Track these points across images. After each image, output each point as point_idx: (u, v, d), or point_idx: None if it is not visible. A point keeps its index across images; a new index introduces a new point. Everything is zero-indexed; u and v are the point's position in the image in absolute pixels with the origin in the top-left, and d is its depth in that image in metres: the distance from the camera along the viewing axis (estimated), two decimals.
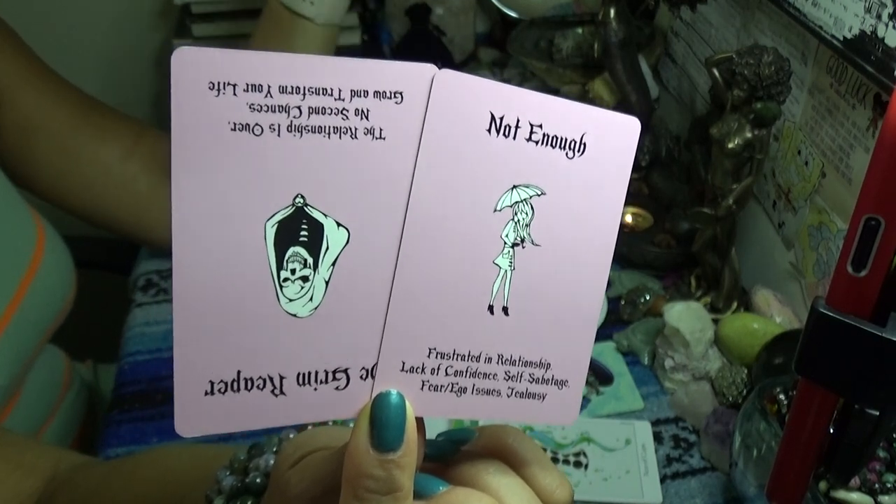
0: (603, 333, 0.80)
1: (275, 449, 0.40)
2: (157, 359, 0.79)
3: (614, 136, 0.31)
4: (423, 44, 1.13)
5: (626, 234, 0.89)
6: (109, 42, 1.32)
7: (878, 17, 0.57)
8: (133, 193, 0.82)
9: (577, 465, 0.67)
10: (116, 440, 0.71)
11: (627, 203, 0.92)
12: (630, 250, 0.87)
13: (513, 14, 1.16)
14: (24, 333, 0.71)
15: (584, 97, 0.98)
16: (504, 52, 1.18)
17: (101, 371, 0.97)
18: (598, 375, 0.76)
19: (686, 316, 0.73)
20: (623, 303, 0.82)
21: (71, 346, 0.88)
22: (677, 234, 0.87)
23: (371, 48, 1.17)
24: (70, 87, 0.80)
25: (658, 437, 0.70)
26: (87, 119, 0.79)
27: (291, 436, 0.40)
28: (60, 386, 0.83)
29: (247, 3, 1.16)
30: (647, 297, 0.81)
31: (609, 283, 0.86)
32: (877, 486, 0.51)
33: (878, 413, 0.35)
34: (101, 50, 1.32)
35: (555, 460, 0.68)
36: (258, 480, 0.39)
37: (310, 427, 0.45)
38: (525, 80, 1.17)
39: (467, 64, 1.21)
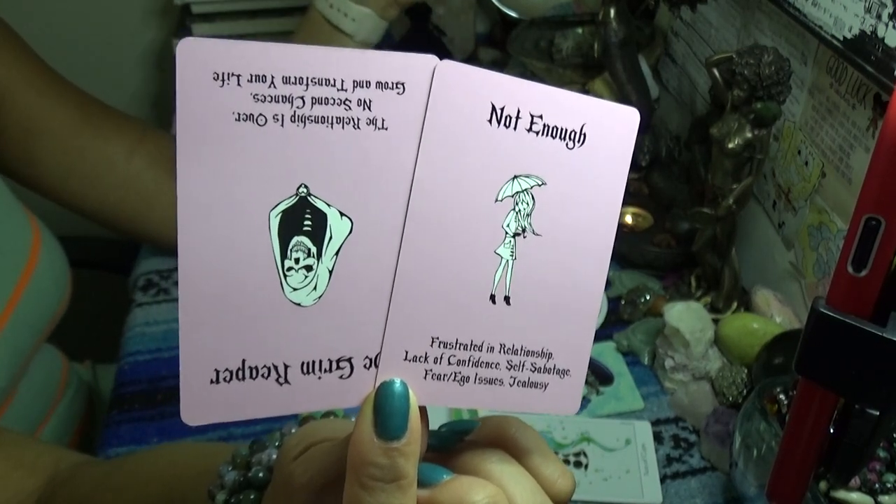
0: (603, 333, 0.80)
1: (277, 443, 0.41)
2: (157, 359, 0.79)
3: (614, 126, 0.31)
4: (424, 44, 1.13)
5: (626, 234, 0.89)
6: (110, 42, 1.32)
7: (878, 17, 0.57)
8: (138, 190, 0.82)
9: (578, 465, 0.67)
10: (116, 440, 0.71)
11: (627, 203, 0.93)
12: (630, 250, 0.87)
13: (513, 14, 1.16)
14: (21, 335, 0.71)
15: None
16: (504, 52, 1.18)
17: (100, 371, 0.97)
18: (598, 375, 0.76)
19: (686, 316, 0.73)
20: (623, 303, 0.82)
21: (70, 346, 0.88)
22: (677, 234, 0.87)
23: (371, 47, 1.18)
24: (71, 86, 0.80)
25: (658, 437, 0.70)
26: (89, 118, 0.79)
27: (293, 430, 0.40)
28: (58, 386, 0.83)
29: (247, 3, 1.16)
30: (647, 297, 0.81)
31: (609, 283, 0.86)
32: (877, 486, 0.51)
33: (878, 413, 0.35)
34: (102, 50, 1.32)
35: None
36: (261, 475, 0.39)
37: (312, 420, 0.45)
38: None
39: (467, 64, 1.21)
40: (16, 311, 0.70)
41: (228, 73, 0.26)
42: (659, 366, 0.76)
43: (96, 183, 0.80)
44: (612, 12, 0.87)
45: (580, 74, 1.00)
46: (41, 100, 0.76)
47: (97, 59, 1.32)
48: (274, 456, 0.39)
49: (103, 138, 0.80)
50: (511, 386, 0.32)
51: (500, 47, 1.21)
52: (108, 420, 0.74)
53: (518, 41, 1.08)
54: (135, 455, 0.54)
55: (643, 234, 0.89)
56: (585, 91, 0.97)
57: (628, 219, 0.92)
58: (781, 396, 0.58)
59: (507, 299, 0.31)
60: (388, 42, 1.17)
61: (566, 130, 0.30)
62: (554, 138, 0.30)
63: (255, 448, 0.41)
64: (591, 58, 0.96)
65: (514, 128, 0.29)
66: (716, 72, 0.72)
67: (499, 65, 1.21)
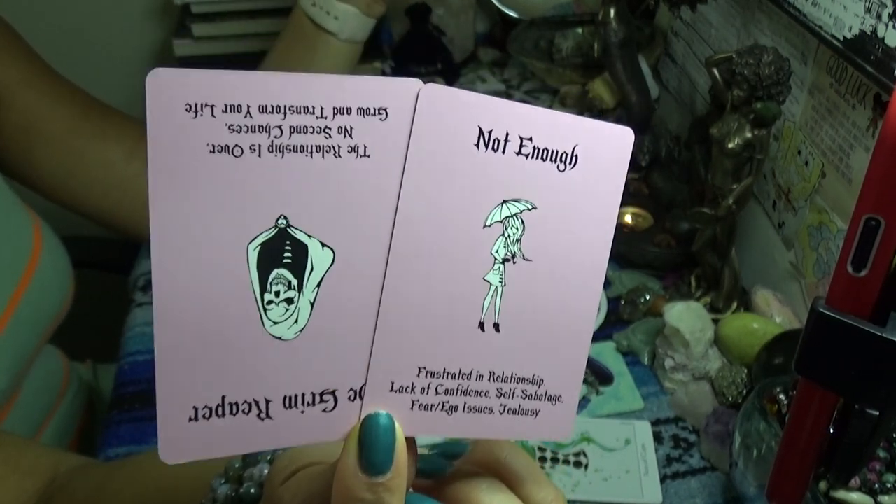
0: (603, 333, 0.80)
1: (269, 458, 0.40)
2: None
3: (607, 147, 0.30)
4: (423, 44, 1.13)
5: (626, 234, 0.89)
6: (109, 42, 1.32)
7: (878, 17, 0.57)
8: (137, 191, 0.82)
9: (577, 465, 0.67)
10: (116, 440, 0.71)
11: (627, 203, 0.93)
12: (630, 250, 0.87)
13: (513, 14, 1.16)
14: (23, 335, 0.71)
15: (584, 97, 0.98)
16: (504, 52, 1.18)
17: (101, 371, 0.97)
18: (598, 375, 0.76)
19: (686, 316, 0.73)
20: (623, 303, 0.82)
21: (70, 346, 0.88)
22: (677, 234, 0.87)
23: (371, 48, 1.17)
24: (71, 87, 0.80)
25: (658, 437, 0.70)
26: (88, 119, 0.79)
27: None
28: (59, 386, 0.83)
29: (247, 3, 1.16)
30: (647, 297, 0.81)
31: (609, 283, 0.86)
32: (877, 486, 0.51)
33: (878, 413, 0.35)
34: (101, 50, 1.32)
35: (555, 460, 0.68)
36: (252, 490, 0.38)
37: None
38: (525, 79, 1.17)
39: (467, 64, 1.21)
40: (18, 311, 0.70)
41: (202, 104, 0.25)
42: (659, 366, 0.76)
43: (95, 184, 0.80)
44: (612, 12, 0.87)
45: (580, 74, 1.01)
46: (41, 100, 0.76)
47: (97, 59, 1.31)
48: (265, 471, 0.39)
49: (103, 139, 0.80)
50: (501, 414, 0.31)
51: (500, 47, 1.21)
52: (109, 420, 0.74)
53: (518, 41, 1.08)
54: (134, 458, 0.54)
55: (643, 234, 0.89)
56: (585, 91, 0.97)
57: (628, 219, 0.92)
58: (781, 396, 0.58)
59: (496, 326, 0.30)
60: (388, 42, 1.17)
61: (557, 153, 0.29)
62: (544, 161, 0.29)
63: (247, 462, 0.40)
64: (591, 58, 0.96)
65: (503, 151, 0.28)
66: (716, 72, 0.72)
67: (499, 65, 1.21)
